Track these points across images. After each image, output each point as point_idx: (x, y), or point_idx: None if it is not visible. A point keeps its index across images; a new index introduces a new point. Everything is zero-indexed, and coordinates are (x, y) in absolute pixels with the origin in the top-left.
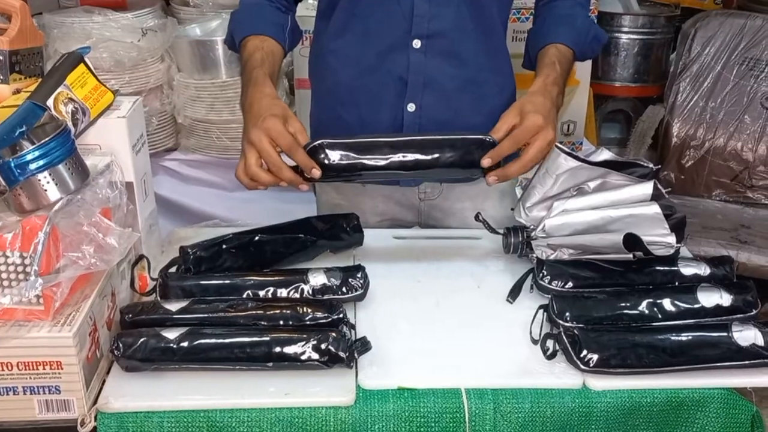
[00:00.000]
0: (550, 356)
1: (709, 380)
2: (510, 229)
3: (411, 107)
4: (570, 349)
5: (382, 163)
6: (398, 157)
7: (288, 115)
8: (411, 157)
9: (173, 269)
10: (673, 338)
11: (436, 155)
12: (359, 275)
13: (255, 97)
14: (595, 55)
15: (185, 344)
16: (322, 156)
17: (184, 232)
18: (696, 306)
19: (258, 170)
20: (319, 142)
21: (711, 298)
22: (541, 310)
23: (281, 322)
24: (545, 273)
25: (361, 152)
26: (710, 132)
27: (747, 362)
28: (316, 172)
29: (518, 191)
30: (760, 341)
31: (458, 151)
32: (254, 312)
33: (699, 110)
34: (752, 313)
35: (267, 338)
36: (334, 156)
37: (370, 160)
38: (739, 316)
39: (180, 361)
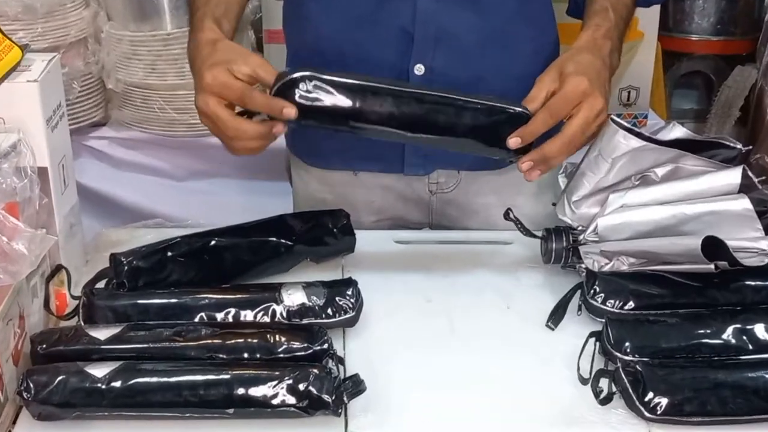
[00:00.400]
0: (605, 400)
1: None
2: (551, 231)
3: (419, 69)
4: (631, 390)
5: (380, 112)
6: (403, 109)
7: (233, 58)
8: (418, 111)
9: (101, 284)
10: None
11: (452, 119)
12: (349, 292)
13: (193, 52)
14: None
15: (117, 384)
16: (298, 95)
17: (115, 235)
18: None
19: (233, 141)
20: (296, 74)
21: None
22: (592, 340)
23: (246, 355)
24: (598, 289)
25: (353, 95)
26: None
27: None
28: (290, 111)
29: (561, 181)
30: None
31: (482, 118)
32: (210, 341)
33: None
34: None
35: (227, 376)
36: (316, 94)
37: (363, 106)
38: None
39: (111, 406)
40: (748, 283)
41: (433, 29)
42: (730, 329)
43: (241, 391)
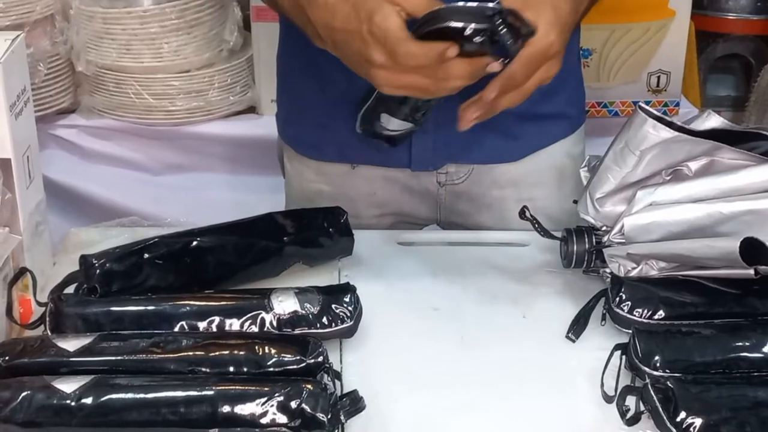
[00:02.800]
0: (632, 420)
1: None
2: (571, 231)
3: None
4: (661, 410)
5: None
6: None
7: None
8: None
9: (70, 289)
10: None
11: None
12: (347, 299)
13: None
14: None
15: (88, 401)
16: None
17: (86, 234)
18: None
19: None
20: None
21: None
22: (618, 353)
23: (231, 369)
24: (624, 297)
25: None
26: None
27: None
28: (453, 51)
29: (584, 176)
30: None
31: None
32: (192, 353)
33: None
34: None
35: (210, 392)
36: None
37: None
38: None
39: (81, 425)
40: None
41: None
42: None
43: (226, 408)
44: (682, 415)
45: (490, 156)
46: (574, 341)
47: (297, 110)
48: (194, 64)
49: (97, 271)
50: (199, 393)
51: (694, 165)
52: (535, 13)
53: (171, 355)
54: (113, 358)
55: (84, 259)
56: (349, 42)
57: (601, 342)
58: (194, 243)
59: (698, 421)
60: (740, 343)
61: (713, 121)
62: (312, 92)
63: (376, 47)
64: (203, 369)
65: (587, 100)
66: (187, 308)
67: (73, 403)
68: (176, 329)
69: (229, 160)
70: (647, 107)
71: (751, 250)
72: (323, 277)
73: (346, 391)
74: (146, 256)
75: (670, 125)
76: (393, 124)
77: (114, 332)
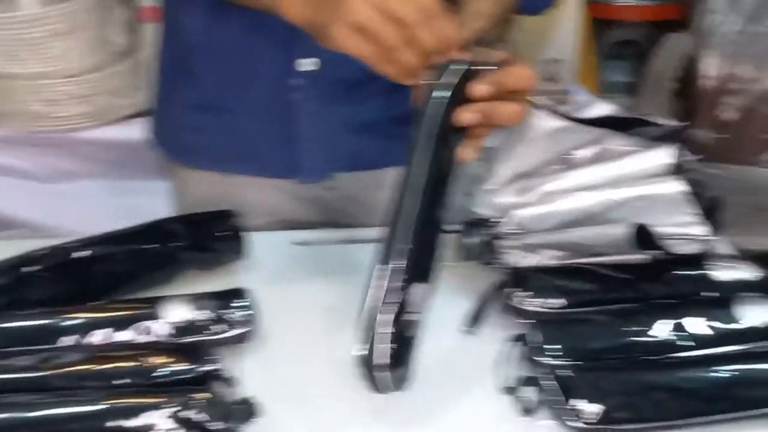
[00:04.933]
0: (530, 411)
1: None
2: (467, 224)
3: (309, 64)
4: (558, 398)
5: None
6: None
7: None
8: None
9: None
10: (706, 375)
11: None
12: (241, 304)
13: None
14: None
15: None
16: None
17: None
18: (739, 327)
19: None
20: None
21: (760, 314)
22: (515, 344)
23: (121, 381)
24: (520, 287)
25: None
26: (758, 69)
27: None
28: None
29: (476, 168)
30: None
31: None
32: (79, 368)
33: (740, 38)
34: None
35: (99, 407)
36: None
37: None
38: None
39: None
40: (682, 273)
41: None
42: (663, 325)
43: (115, 423)
44: (579, 402)
45: (377, 161)
46: (472, 334)
47: (173, 118)
48: (81, 68)
49: None
50: (87, 408)
51: (583, 153)
52: None
53: (56, 371)
54: None
55: None
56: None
57: (498, 334)
58: (81, 254)
59: (595, 408)
60: (633, 328)
61: (602, 108)
62: (188, 99)
63: None
64: (92, 383)
65: None
66: (74, 321)
67: None
68: (63, 344)
69: (118, 166)
70: (534, 97)
71: (642, 235)
72: (217, 282)
73: (241, 397)
74: (30, 268)
75: (558, 114)
76: None
77: None
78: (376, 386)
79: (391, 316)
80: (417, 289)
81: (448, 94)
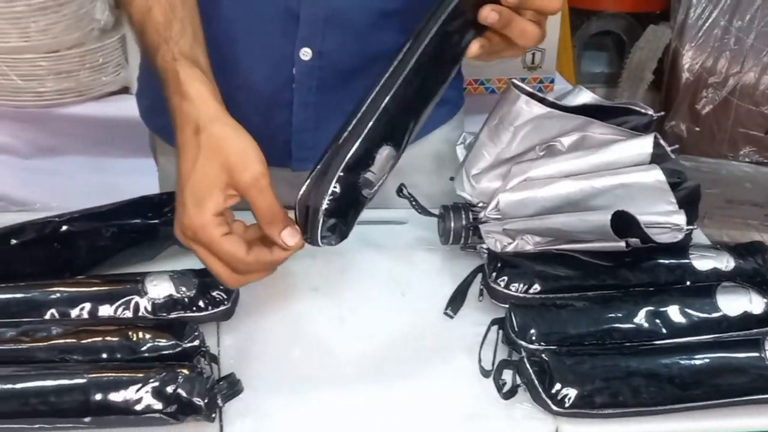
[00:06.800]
0: (508, 394)
1: (738, 421)
2: (448, 208)
3: (305, 54)
4: (537, 382)
5: None
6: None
7: (233, 166)
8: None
9: None
10: (683, 363)
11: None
12: None
13: (177, 122)
14: None
15: None
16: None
17: None
18: (716, 315)
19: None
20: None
21: (736, 302)
22: (495, 327)
23: (104, 356)
24: (500, 272)
25: None
26: (736, 64)
27: None
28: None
29: (460, 152)
30: None
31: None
32: (62, 341)
33: (720, 32)
34: None
35: (82, 380)
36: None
37: None
38: None
39: None
40: (661, 261)
41: (321, 8)
42: (642, 312)
43: (98, 396)
44: (557, 387)
45: None
46: (452, 317)
47: (160, 97)
48: (64, 43)
49: None
50: (70, 381)
51: (566, 140)
52: None
53: (41, 344)
54: None
55: None
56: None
57: (478, 317)
58: (64, 228)
59: (573, 392)
60: (612, 315)
61: (585, 96)
62: None
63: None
64: (74, 357)
65: (465, 77)
66: (58, 295)
67: None
68: (46, 317)
69: (101, 143)
70: (520, 83)
71: (621, 223)
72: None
73: (223, 374)
74: (13, 241)
75: (543, 101)
76: None
77: None
78: (307, 229)
79: (343, 163)
80: (384, 151)
81: None
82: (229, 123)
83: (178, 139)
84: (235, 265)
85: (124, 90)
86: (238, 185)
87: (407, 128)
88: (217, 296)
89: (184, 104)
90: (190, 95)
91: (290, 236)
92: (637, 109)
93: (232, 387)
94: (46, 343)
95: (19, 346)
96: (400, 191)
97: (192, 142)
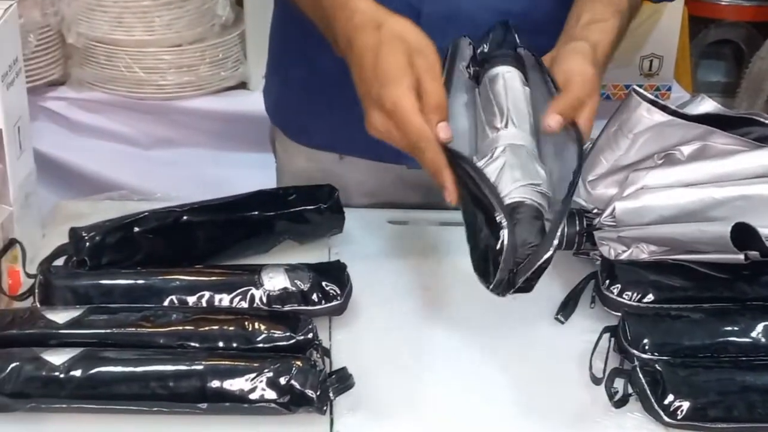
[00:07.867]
0: (620, 403)
1: None
2: None
3: None
4: (649, 392)
5: None
6: None
7: (414, 50)
8: None
9: (60, 261)
10: None
11: None
12: (337, 277)
13: (351, 35)
14: None
15: (77, 373)
16: None
17: (75, 207)
18: None
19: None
20: None
21: None
22: (607, 335)
23: (221, 344)
24: (614, 280)
25: None
26: None
27: None
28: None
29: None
30: None
31: None
32: (181, 328)
33: None
34: None
35: (200, 367)
36: None
37: None
38: None
39: (70, 397)
40: None
41: (443, 5)
42: (760, 327)
43: (215, 383)
44: (670, 398)
45: None
46: (563, 323)
47: (287, 94)
48: (186, 38)
49: (87, 243)
50: (189, 367)
51: (686, 149)
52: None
53: (160, 329)
54: (102, 331)
55: (74, 232)
56: (360, 84)
57: (589, 324)
58: (185, 218)
59: (686, 404)
60: (729, 328)
61: (707, 105)
62: (303, 78)
63: (382, 110)
64: (192, 344)
65: None
66: (177, 283)
67: (62, 375)
68: (166, 303)
69: (218, 136)
70: (642, 90)
71: (741, 235)
72: (313, 254)
73: (335, 368)
74: (136, 230)
75: (664, 109)
76: None
77: (103, 305)
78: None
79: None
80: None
81: None
82: (404, 18)
83: (356, 43)
84: (416, 134)
85: (242, 85)
86: (418, 69)
87: None
88: (331, 291)
89: (356, 15)
90: (361, 8)
91: (443, 130)
92: (761, 119)
93: (343, 381)
94: (166, 329)
95: (141, 330)
96: None
97: (373, 37)
